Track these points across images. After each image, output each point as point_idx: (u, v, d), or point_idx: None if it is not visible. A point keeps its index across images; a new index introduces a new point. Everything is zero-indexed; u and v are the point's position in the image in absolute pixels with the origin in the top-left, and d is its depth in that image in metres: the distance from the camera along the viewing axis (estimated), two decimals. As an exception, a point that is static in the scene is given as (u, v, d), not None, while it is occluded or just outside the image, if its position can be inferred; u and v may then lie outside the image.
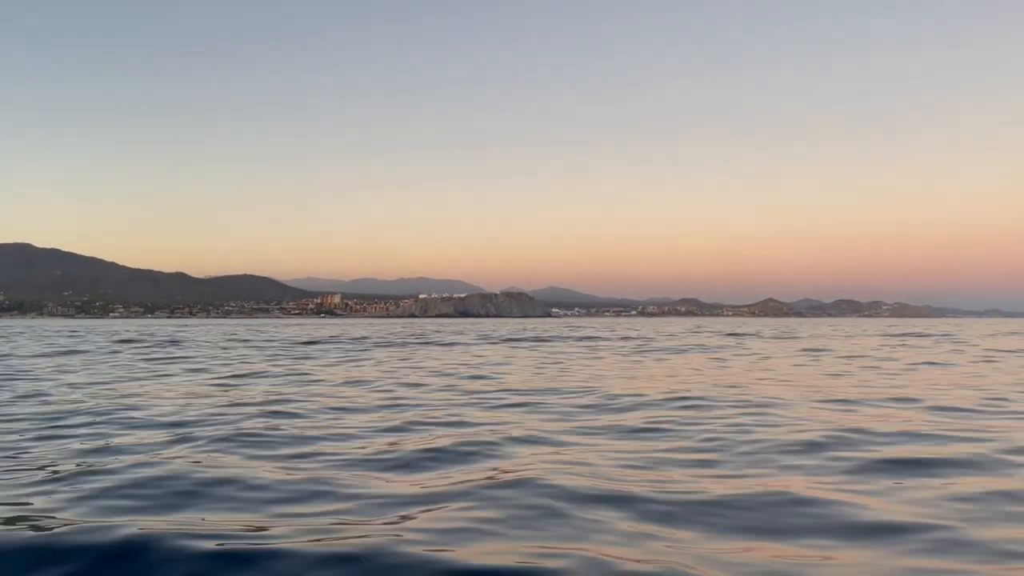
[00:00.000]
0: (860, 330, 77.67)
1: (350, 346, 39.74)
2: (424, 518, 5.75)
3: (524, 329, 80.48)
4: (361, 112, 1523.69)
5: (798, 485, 6.79)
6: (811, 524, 5.66)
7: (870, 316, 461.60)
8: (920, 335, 56.01)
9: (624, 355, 30.53)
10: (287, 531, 5.37)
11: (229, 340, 48.54)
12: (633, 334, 59.81)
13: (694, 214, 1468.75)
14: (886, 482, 7.00)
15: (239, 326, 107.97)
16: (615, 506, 6.05)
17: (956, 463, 7.82)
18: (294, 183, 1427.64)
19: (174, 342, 44.13)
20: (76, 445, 8.97)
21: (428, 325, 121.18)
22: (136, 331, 72.20)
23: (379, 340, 48.44)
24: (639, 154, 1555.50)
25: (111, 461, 7.87)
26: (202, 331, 74.33)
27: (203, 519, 5.76)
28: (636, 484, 6.80)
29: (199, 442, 9.02)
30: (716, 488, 6.65)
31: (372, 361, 26.86)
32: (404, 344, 41.86)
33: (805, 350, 33.89)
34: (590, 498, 6.25)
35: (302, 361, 26.66)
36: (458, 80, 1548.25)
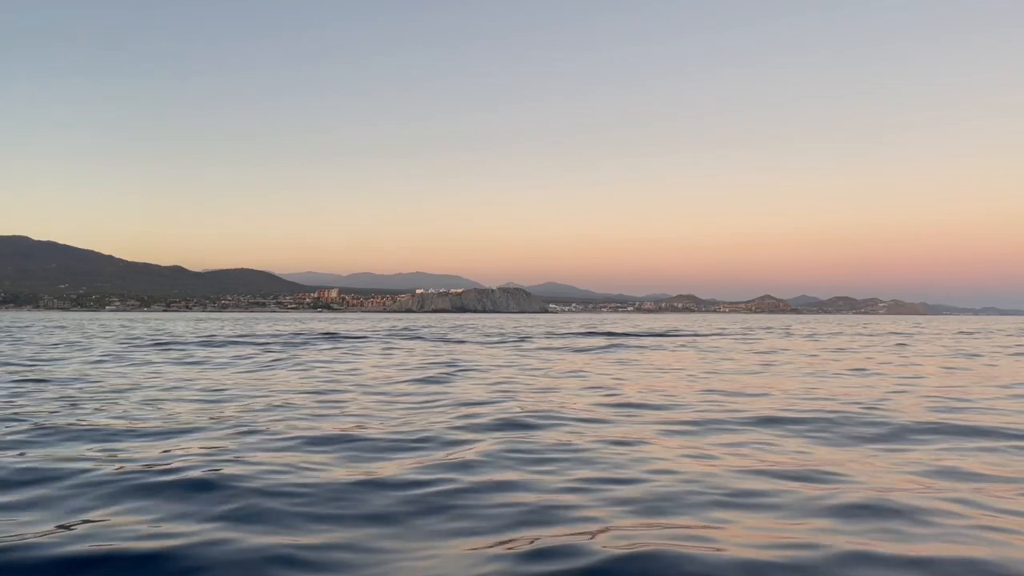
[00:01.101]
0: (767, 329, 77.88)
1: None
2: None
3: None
4: (360, 108, 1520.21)
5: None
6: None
7: (866, 313, 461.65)
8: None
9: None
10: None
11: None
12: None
13: (692, 211, 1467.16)
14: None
15: (263, 320, 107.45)
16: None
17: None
18: (292, 178, 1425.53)
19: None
20: None
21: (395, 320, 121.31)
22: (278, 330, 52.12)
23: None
24: (638, 152, 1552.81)
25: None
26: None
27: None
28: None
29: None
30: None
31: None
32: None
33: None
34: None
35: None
36: (457, 78, 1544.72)
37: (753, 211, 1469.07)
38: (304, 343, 34.53)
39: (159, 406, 11.71)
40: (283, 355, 25.51)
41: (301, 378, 17.00)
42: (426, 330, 56.39)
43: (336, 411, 11.33)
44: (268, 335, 43.24)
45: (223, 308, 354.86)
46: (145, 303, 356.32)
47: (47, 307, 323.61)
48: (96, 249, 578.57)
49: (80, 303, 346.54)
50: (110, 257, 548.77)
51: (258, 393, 13.70)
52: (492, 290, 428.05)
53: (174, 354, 25.39)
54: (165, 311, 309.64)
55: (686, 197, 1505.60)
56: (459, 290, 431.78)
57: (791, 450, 8.43)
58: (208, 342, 34.01)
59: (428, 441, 8.72)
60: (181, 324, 72.36)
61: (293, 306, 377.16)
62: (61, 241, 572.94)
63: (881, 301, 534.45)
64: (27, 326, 60.82)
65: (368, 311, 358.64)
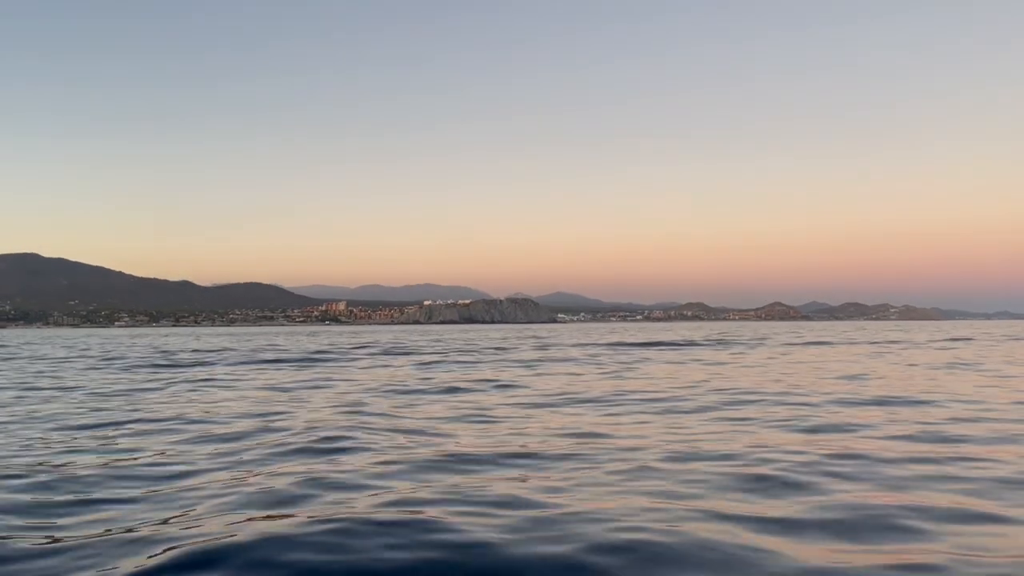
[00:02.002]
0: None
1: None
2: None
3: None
4: (366, 117, 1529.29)
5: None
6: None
7: (877, 319, 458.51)
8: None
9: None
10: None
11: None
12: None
13: (700, 218, 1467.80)
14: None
15: (291, 334, 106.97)
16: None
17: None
18: (300, 190, 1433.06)
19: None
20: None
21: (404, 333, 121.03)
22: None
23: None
24: (645, 158, 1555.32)
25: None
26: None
27: None
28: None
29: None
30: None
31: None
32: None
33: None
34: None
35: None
36: (462, 84, 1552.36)
37: (762, 217, 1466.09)
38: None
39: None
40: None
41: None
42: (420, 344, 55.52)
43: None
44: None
45: (231, 323, 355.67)
46: (154, 318, 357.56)
47: (57, 324, 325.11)
48: (105, 265, 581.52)
49: (90, 319, 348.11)
50: (119, 273, 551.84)
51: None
52: (500, 300, 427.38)
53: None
54: (174, 326, 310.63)
55: (694, 204, 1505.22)
56: (467, 301, 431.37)
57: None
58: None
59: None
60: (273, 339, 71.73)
61: (301, 319, 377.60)
62: (71, 258, 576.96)
63: (892, 307, 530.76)
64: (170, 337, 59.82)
65: (376, 323, 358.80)
